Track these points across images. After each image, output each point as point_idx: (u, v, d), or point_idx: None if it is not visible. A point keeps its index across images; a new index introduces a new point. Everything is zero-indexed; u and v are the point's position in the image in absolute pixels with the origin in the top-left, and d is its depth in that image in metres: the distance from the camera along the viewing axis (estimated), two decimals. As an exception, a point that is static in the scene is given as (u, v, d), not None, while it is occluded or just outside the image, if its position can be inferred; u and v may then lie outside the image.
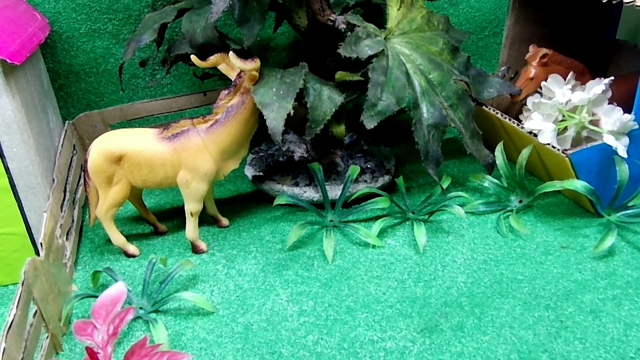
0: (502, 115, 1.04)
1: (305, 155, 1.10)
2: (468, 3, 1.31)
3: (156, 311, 0.81)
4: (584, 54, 1.13)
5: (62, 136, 1.05)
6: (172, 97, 1.21)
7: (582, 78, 1.04)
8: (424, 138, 0.92)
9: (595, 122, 0.94)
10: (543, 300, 0.80)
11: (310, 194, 1.01)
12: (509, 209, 0.99)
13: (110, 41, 1.16)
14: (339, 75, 0.91)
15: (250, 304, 0.82)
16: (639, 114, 0.90)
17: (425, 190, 1.06)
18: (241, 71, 0.86)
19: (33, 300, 0.70)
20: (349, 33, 0.90)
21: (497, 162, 1.00)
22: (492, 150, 1.00)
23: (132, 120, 1.19)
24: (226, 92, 0.87)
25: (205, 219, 1.00)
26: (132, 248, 0.93)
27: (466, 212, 0.98)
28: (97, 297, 0.70)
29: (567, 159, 0.90)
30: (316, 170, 0.98)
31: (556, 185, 0.92)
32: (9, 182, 0.84)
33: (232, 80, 0.87)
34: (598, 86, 0.92)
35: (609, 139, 0.90)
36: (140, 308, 0.81)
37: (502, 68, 1.18)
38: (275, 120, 0.82)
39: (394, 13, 0.97)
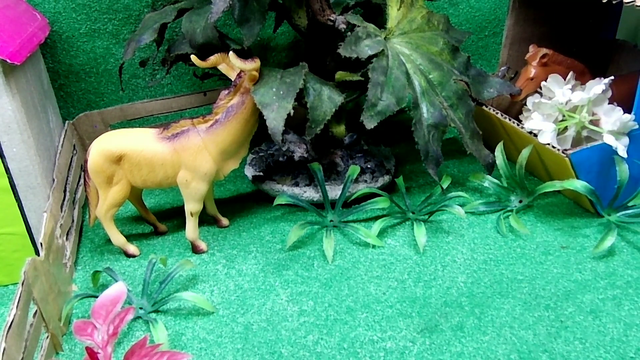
0: (502, 115, 1.04)
1: (305, 155, 1.10)
2: (468, 3, 1.31)
3: (156, 311, 0.81)
4: (584, 54, 1.13)
5: (62, 136, 1.05)
6: (172, 97, 1.21)
7: (582, 78, 1.04)
8: (424, 138, 0.92)
9: (595, 122, 0.94)
10: (543, 300, 0.80)
11: (310, 194, 1.01)
12: (509, 209, 0.99)
13: (110, 41, 1.16)
14: (339, 75, 0.91)
15: (250, 304, 0.82)
16: (639, 114, 0.90)
17: (425, 190, 1.06)
18: (241, 71, 0.86)
19: (33, 300, 0.70)
20: (349, 33, 0.90)
21: (497, 162, 1.00)
22: (492, 150, 1.00)
23: (132, 120, 1.19)
24: (226, 92, 0.87)
25: (205, 219, 1.00)
26: (132, 248, 0.93)
27: (466, 212, 0.98)
28: (97, 297, 0.70)
29: (567, 159, 0.90)
30: (316, 170, 0.98)
31: (556, 185, 0.92)
32: (9, 182, 0.84)
33: (232, 80, 0.87)
34: (598, 86, 0.92)
35: (609, 139, 0.90)
36: (140, 308, 0.81)
37: (502, 68, 1.18)
38: (275, 120, 0.82)
39: (394, 13, 0.97)
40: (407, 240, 0.94)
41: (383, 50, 0.90)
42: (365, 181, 1.03)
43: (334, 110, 0.87)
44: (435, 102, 0.93)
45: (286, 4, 1.01)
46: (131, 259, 0.93)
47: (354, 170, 0.99)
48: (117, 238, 0.92)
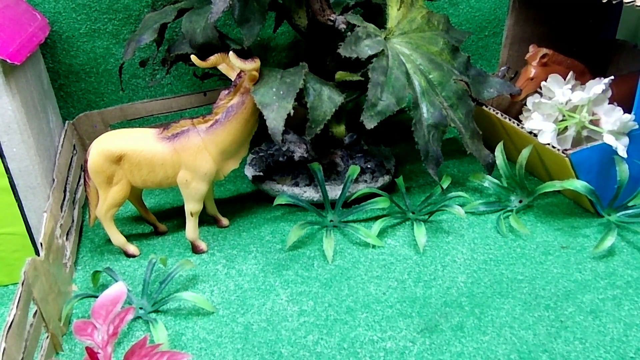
0: (502, 115, 1.04)
1: (305, 155, 1.10)
2: (468, 3, 1.31)
3: (156, 311, 0.81)
4: (584, 54, 1.13)
5: (62, 136, 1.05)
6: (172, 97, 1.21)
7: (582, 78, 1.04)
8: (424, 138, 0.92)
9: (595, 122, 0.94)
10: (543, 300, 0.80)
11: (310, 194, 1.01)
12: (509, 209, 0.99)
13: (110, 41, 1.16)
14: (339, 75, 0.91)
15: (250, 304, 0.82)
16: (639, 114, 0.90)
17: (425, 190, 1.06)
18: (241, 71, 0.86)
19: (33, 300, 0.70)
20: (349, 33, 0.90)
21: (497, 162, 1.00)
22: (492, 150, 1.00)
23: (132, 120, 1.20)
24: (226, 92, 0.87)
25: (205, 219, 1.00)
26: (132, 248, 0.93)
27: (466, 212, 0.98)
28: (97, 297, 0.70)
29: (567, 159, 0.90)
30: (316, 170, 0.98)
31: (556, 185, 0.92)
32: (9, 182, 0.84)
33: (232, 80, 0.87)
34: (598, 86, 0.92)
35: (609, 139, 0.90)
36: (140, 308, 0.81)
37: (502, 68, 1.18)
38: (275, 120, 0.82)
39: (394, 13, 0.97)
40: (407, 240, 0.94)
41: (383, 50, 0.90)
42: (365, 181, 1.03)
43: (334, 110, 0.87)
44: (435, 102, 0.93)
45: (286, 4, 1.01)
46: (131, 259, 0.93)
47: (354, 170, 0.99)
48: (117, 238, 0.92)
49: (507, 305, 0.79)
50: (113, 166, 0.87)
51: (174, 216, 1.03)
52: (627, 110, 0.91)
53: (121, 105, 1.18)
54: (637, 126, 0.90)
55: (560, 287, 0.82)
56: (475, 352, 0.72)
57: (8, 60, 0.78)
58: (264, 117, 0.82)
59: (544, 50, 1.02)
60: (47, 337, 0.73)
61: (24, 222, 0.87)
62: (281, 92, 0.84)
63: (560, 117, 0.96)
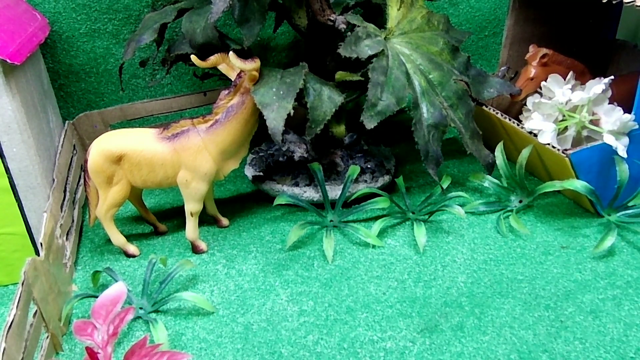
0: (502, 115, 1.04)
1: (305, 155, 1.10)
2: (468, 3, 1.31)
3: (156, 311, 0.81)
4: (584, 54, 1.13)
5: (62, 136, 1.05)
6: (172, 97, 1.21)
7: (582, 78, 1.04)
8: (424, 138, 0.92)
9: (595, 122, 0.94)
10: (543, 300, 0.80)
11: (310, 194, 1.01)
12: (509, 209, 0.99)
13: (110, 41, 1.16)
14: (339, 75, 0.91)
15: (250, 304, 0.82)
16: (639, 114, 0.90)
17: (425, 190, 1.06)
18: (241, 71, 0.86)
19: (33, 300, 0.70)
20: (349, 33, 0.90)
21: (497, 162, 1.00)
22: (492, 150, 1.00)
23: (132, 120, 1.20)
24: (226, 92, 0.87)
25: (205, 219, 1.00)
26: (132, 248, 0.93)
27: (466, 212, 0.98)
28: (97, 297, 0.70)
29: (567, 158, 0.90)
30: (316, 170, 0.98)
31: (556, 185, 0.92)
32: (9, 182, 0.84)
33: (232, 80, 0.87)
34: (598, 86, 0.92)
35: (609, 139, 0.90)
36: (140, 308, 0.81)
37: (502, 68, 1.18)
38: (275, 120, 0.82)
39: (394, 13, 0.97)
40: (407, 240, 0.94)
41: (383, 50, 0.90)
42: (365, 181, 1.03)
43: (334, 110, 0.87)
44: (435, 102, 0.93)
45: (286, 4, 1.01)
46: (131, 259, 0.93)
47: (354, 170, 0.99)
48: (117, 238, 0.92)
49: (507, 305, 0.79)
50: (113, 166, 0.87)
51: (174, 216, 1.03)
52: (627, 110, 0.91)
53: (121, 105, 1.18)
54: (637, 126, 0.90)
55: (560, 287, 0.82)
56: (475, 352, 0.72)
57: (8, 60, 0.78)
58: (264, 117, 0.82)
59: (544, 50, 1.02)
60: (47, 337, 0.73)
61: (24, 222, 0.87)
62: (281, 92, 0.84)
63: (560, 117, 0.96)
